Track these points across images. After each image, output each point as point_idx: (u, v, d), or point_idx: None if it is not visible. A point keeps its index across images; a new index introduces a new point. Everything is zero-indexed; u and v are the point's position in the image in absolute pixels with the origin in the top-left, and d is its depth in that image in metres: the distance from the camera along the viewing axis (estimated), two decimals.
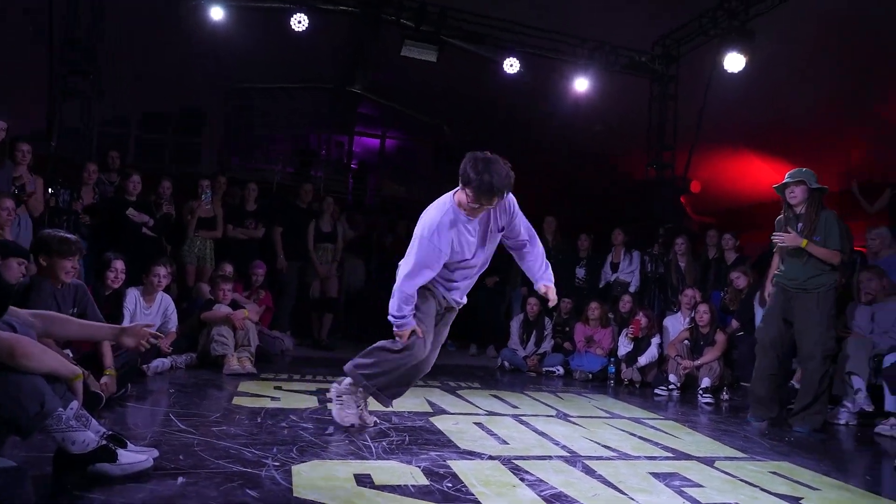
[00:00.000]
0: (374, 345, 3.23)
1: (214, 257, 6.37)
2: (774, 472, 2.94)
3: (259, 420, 3.21)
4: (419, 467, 2.51)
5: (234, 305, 5.22)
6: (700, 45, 7.61)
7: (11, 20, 7.93)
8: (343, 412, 3.16)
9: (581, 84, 7.83)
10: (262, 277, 6.24)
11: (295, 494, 2.08)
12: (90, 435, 2.06)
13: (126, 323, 4.40)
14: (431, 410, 3.82)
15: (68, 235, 3.42)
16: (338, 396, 3.20)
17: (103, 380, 3.24)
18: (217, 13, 6.84)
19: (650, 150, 7.95)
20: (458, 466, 2.57)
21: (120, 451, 2.09)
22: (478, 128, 11.11)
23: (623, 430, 3.70)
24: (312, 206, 7.41)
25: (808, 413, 4.15)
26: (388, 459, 2.61)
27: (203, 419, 3.13)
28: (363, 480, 2.30)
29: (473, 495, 2.22)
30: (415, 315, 3.08)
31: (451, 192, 3.11)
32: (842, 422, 4.60)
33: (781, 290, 4.32)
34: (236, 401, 3.70)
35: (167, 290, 5.04)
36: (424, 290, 3.13)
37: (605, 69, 7.91)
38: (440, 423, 3.48)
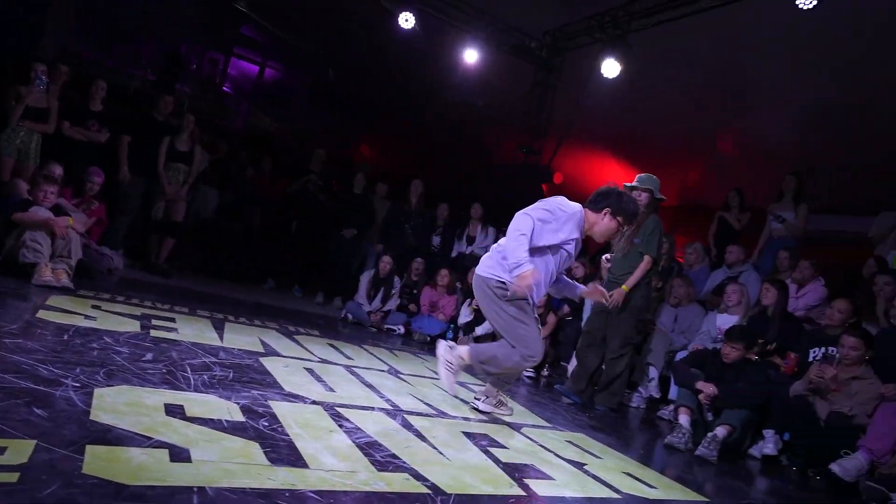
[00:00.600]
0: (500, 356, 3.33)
1: (40, 154, 5.64)
2: (570, 441, 3.29)
3: (66, 338, 2.93)
4: (238, 404, 2.46)
5: (58, 212, 4.67)
6: (585, 45, 8.00)
7: None
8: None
9: (471, 55, 7.91)
10: (98, 187, 5.65)
11: (91, 417, 1.94)
12: None
13: None
14: (263, 351, 3.74)
15: None
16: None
17: None
18: None
19: (524, 135, 8.26)
20: (279, 407, 2.56)
21: None
22: (363, 76, 10.82)
23: (447, 392, 3.89)
24: (171, 121, 6.80)
25: (607, 393, 4.67)
26: (205, 393, 2.52)
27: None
28: (173, 410, 2.20)
29: (288, 436, 2.23)
30: (525, 313, 3.29)
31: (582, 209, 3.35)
32: (635, 405, 5.25)
33: (605, 283, 4.77)
34: (42, 314, 3.34)
35: None
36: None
37: (496, 46, 8.05)
38: (270, 363, 3.41)
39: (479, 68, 8.04)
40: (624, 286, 4.57)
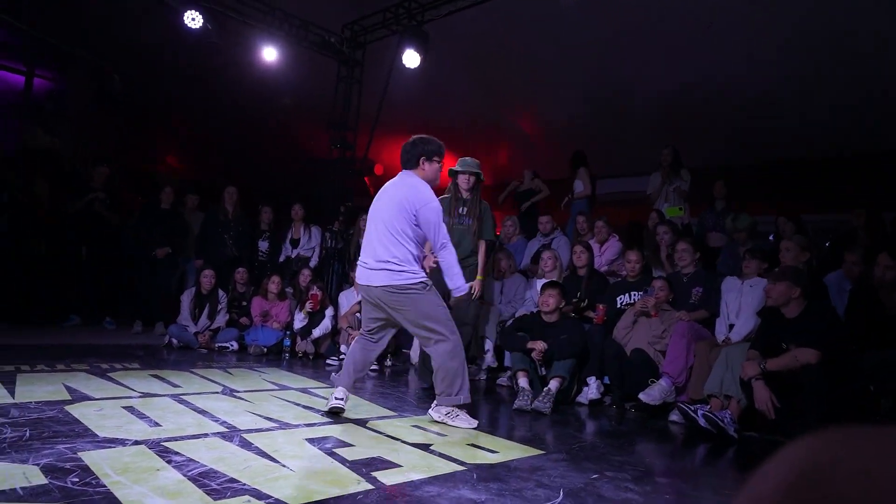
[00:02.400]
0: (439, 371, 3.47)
1: None
2: (416, 426, 3.37)
3: None
4: (37, 465, 2.16)
5: None
6: (383, 37, 8.10)
7: None
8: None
9: (269, 53, 7.62)
10: None
11: None
12: None
13: None
14: (70, 398, 3.32)
15: None
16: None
17: None
18: None
19: (334, 130, 8.18)
20: (92, 457, 2.30)
21: None
22: (153, 79, 9.93)
23: (288, 401, 3.78)
24: None
25: None
26: None
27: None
28: None
29: (105, 486, 2.01)
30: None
31: (414, 174, 3.56)
32: (476, 377, 5.52)
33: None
34: None
35: None
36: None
37: (295, 43, 7.84)
38: (78, 410, 3.04)
39: (280, 66, 7.79)
40: (479, 276, 4.72)
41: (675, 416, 4.12)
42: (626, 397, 4.52)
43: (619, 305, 5.03)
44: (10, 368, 4.03)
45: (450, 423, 3.45)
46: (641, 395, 4.18)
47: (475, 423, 3.49)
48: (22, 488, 1.94)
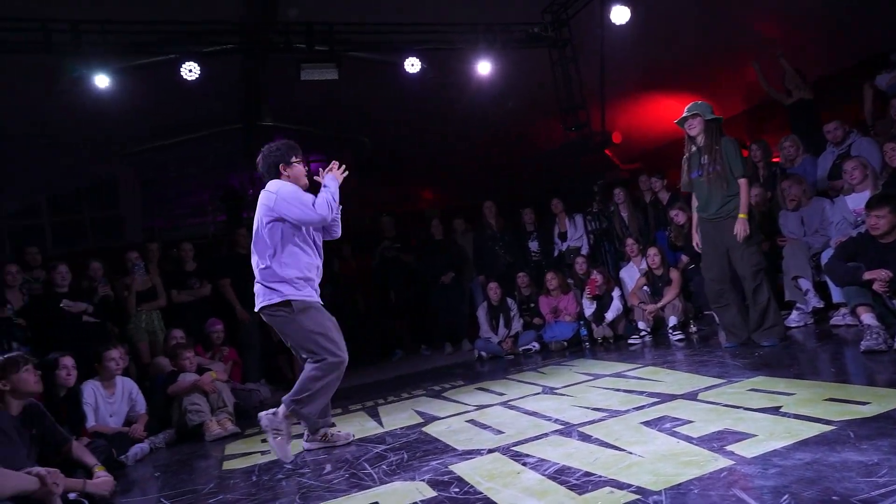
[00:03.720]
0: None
1: (165, 327, 6.17)
2: (753, 389, 3.10)
3: (254, 479, 3.15)
4: (423, 480, 2.53)
5: (200, 370, 5.07)
6: (585, 5, 7.81)
7: None
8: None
9: (484, 67, 7.92)
10: (222, 334, 6.09)
11: None
12: None
13: (90, 420, 4.25)
14: (422, 420, 3.83)
15: (7, 356, 3.28)
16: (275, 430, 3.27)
17: (99, 477, 3.14)
18: (102, 81, 6.55)
19: (565, 115, 8.11)
20: (461, 469, 2.60)
21: None
22: (395, 131, 11.09)
23: (608, 388, 3.81)
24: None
25: (766, 327, 4.36)
26: (391, 482, 2.61)
27: (197, 494, 3.04)
28: None
29: (482, 493, 2.25)
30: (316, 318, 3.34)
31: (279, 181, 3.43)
32: (800, 324, 4.87)
33: (705, 223, 4.53)
34: (227, 465, 3.61)
35: (125, 372, 4.87)
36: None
37: (504, 48, 8.03)
38: (433, 430, 3.49)
39: (496, 73, 8.02)
40: (741, 214, 4.30)
41: None
42: None
43: None
44: (370, 403, 4.83)
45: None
46: None
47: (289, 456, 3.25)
48: (422, 501, 2.28)
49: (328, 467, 3.07)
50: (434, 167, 12.39)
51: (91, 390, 4.40)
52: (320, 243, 3.52)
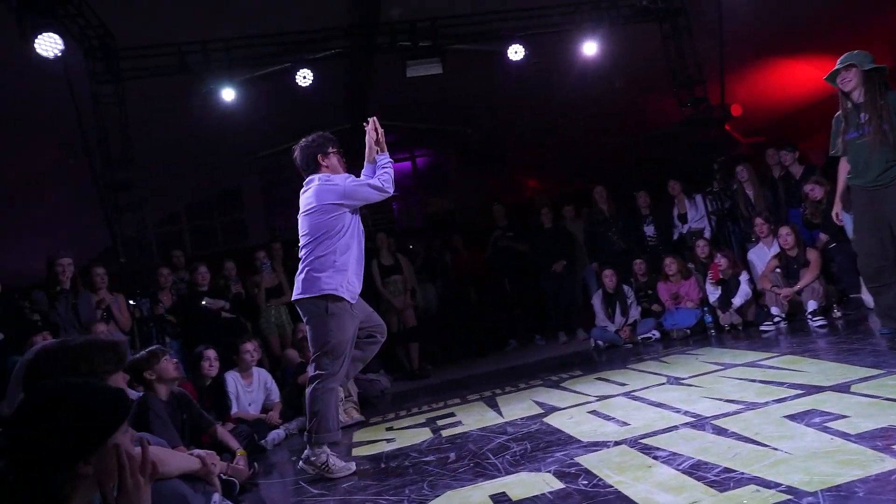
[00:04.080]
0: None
1: (292, 321, 6.56)
2: None
3: (383, 465, 3.27)
4: (549, 472, 2.49)
5: None
6: None
7: (51, 159, 8.45)
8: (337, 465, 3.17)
9: (590, 48, 7.65)
10: None
11: None
12: None
13: (233, 406, 4.62)
14: (542, 411, 3.79)
15: (148, 349, 3.63)
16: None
17: (238, 461, 3.40)
18: (229, 94, 7.07)
19: (679, 90, 7.66)
20: (588, 461, 2.54)
21: None
22: (499, 121, 11.04)
23: (741, 379, 3.56)
24: (367, 245, 7.51)
25: None
26: (516, 472, 2.60)
27: (331, 479, 3.20)
28: (500, 499, 2.30)
29: (613, 487, 2.18)
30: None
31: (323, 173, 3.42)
32: None
33: (860, 192, 3.99)
34: (355, 452, 3.78)
35: (259, 363, 5.23)
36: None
37: (612, 25, 7.71)
38: (555, 420, 3.44)
39: (603, 52, 7.72)
40: None
41: None
42: None
43: None
44: (488, 393, 4.85)
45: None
46: None
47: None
48: (550, 492, 2.25)
49: (452, 455, 3.12)
50: (539, 154, 12.22)
51: (232, 380, 4.77)
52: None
